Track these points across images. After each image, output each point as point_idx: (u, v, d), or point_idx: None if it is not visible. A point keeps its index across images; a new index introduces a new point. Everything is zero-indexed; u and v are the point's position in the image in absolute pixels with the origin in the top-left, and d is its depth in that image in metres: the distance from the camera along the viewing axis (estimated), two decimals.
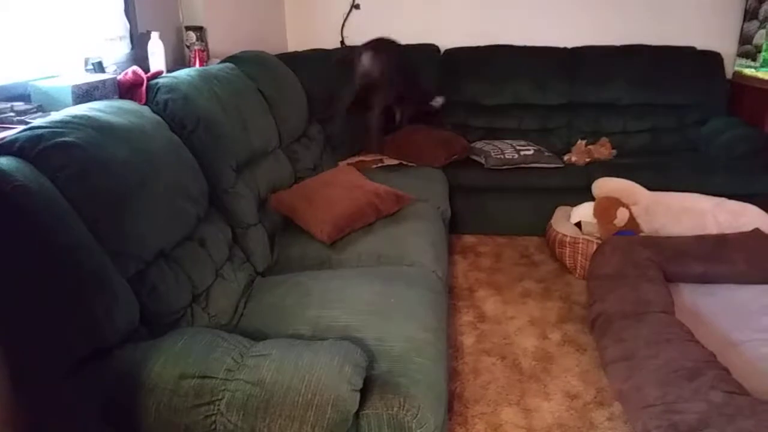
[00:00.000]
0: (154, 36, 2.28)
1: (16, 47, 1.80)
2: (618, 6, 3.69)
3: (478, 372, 2.10)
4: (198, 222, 1.74)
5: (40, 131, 1.32)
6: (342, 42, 3.89)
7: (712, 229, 2.59)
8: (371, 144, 3.30)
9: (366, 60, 3.19)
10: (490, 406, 1.93)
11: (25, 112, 1.61)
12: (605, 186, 2.91)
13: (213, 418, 1.14)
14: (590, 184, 2.98)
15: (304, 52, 3.60)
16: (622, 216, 2.71)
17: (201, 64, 2.56)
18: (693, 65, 3.53)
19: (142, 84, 1.92)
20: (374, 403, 1.25)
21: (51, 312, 1.18)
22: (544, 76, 3.57)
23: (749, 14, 3.56)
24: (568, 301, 2.58)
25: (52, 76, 1.87)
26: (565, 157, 3.27)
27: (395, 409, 1.24)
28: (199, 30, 2.73)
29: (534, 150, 3.23)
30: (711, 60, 3.55)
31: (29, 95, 1.74)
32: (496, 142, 3.35)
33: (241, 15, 3.25)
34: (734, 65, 3.64)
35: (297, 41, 3.91)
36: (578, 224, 2.88)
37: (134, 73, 1.94)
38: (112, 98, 1.81)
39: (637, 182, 2.88)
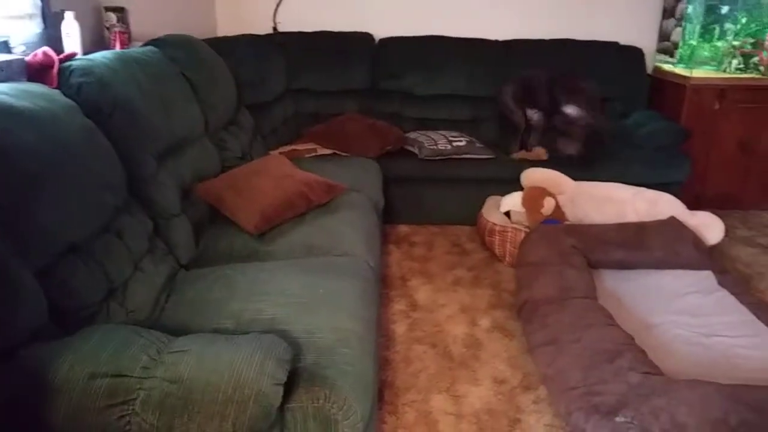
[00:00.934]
0: (69, 15, 2.14)
1: None
2: (548, 1, 3.78)
3: (410, 360, 2.12)
4: (115, 212, 1.65)
5: None
6: (274, 28, 3.80)
7: (632, 217, 2.71)
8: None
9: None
10: (420, 393, 1.95)
11: None
12: (533, 176, 2.99)
13: (127, 418, 1.08)
14: (519, 175, 3.05)
15: (235, 36, 3.49)
16: (548, 205, 2.80)
17: (122, 47, 2.42)
18: (616, 60, 3.67)
19: (53, 66, 1.80)
20: (300, 396, 1.22)
21: None
22: (476, 68, 3.62)
23: (667, 12, 3.73)
24: (497, 289, 2.64)
25: None
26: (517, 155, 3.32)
27: (321, 401, 1.22)
28: (120, 11, 2.58)
29: (466, 141, 3.27)
30: (633, 55, 3.70)
31: None
32: (430, 133, 3.37)
33: None
34: (654, 61, 3.81)
35: (227, 26, 3.79)
36: (507, 213, 2.95)
37: (45, 54, 1.81)
38: (19, 81, 1.68)
39: (562, 172, 2.98)
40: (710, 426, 1.45)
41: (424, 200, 3.29)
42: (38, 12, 2.18)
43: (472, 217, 3.15)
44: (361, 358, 1.40)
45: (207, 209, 2.19)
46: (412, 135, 3.37)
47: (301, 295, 1.61)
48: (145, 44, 2.46)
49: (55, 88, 1.73)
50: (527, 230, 2.70)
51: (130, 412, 1.08)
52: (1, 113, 1.33)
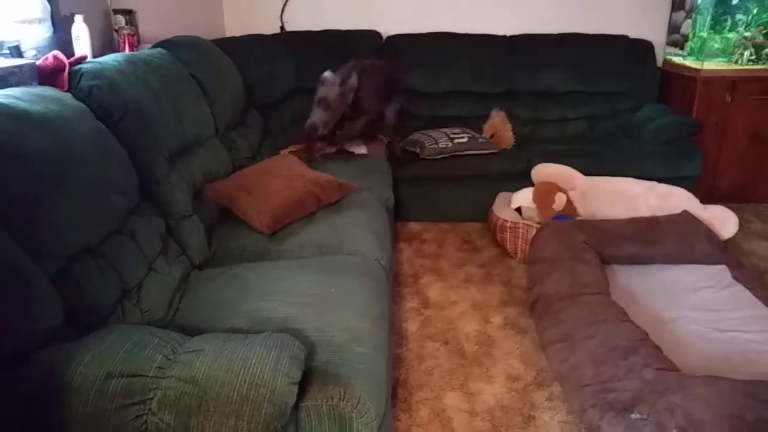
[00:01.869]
0: (78, 19, 2.15)
1: None
2: None
3: (422, 358, 2.11)
4: (128, 214, 1.66)
5: None
6: (282, 28, 3.80)
7: (644, 212, 2.69)
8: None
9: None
10: (434, 391, 1.94)
11: None
12: (544, 171, 2.98)
13: (144, 418, 1.09)
14: (529, 170, 3.04)
15: (243, 37, 3.50)
16: (560, 201, 2.78)
17: (131, 50, 2.44)
18: (626, 54, 3.64)
19: (64, 70, 1.81)
20: (314, 394, 1.23)
21: None
22: (483, 64, 3.61)
23: (677, 4, 3.70)
24: (509, 285, 2.63)
25: None
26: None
27: (335, 400, 1.22)
28: (128, 13, 2.60)
29: (468, 137, 3.26)
30: (643, 48, 3.67)
31: None
32: (431, 132, 3.36)
33: None
34: (664, 54, 3.78)
35: (235, 27, 3.80)
36: (518, 209, 2.93)
37: (55, 58, 1.83)
38: (31, 85, 1.70)
39: (573, 168, 2.96)
40: (726, 422, 1.43)
41: (434, 197, 3.28)
42: (48, 16, 2.19)
43: (482, 214, 3.14)
44: (375, 357, 1.40)
45: (218, 209, 2.20)
46: (414, 136, 3.36)
47: (314, 294, 1.61)
48: (154, 46, 2.48)
49: (66, 91, 1.74)
50: (538, 226, 2.69)
51: (146, 411, 1.09)
52: (14, 117, 1.34)
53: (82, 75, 1.78)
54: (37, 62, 1.79)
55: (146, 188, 1.83)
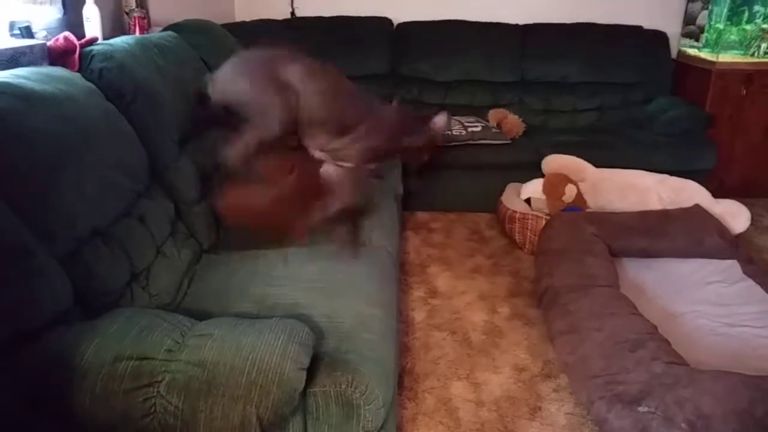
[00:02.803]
0: (89, 1, 2.14)
1: None
2: None
3: (429, 347, 2.11)
4: (137, 197, 1.66)
5: None
6: (292, 13, 3.78)
7: (655, 205, 2.67)
8: None
9: None
10: (440, 380, 1.94)
11: None
12: (554, 163, 2.95)
13: (152, 401, 1.09)
14: (540, 161, 3.02)
15: (253, 22, 3.48)
16: (570, 192, 2.76)
17: (141, 32, 2.42)
18: (640, 44, 3.60)
19: (74, 51, 1.80)
20: (322, 380, 1.23)
21: None
22: (496, 53, 3.57)
23: None
24: (517, 276, 2.61)
25: None
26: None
27: (343, 386, 1.22)
28: None
29: (482, 126, 3.24)
30: (657, 39, 3.62)
31: None
32: None
33: None
34: (678, 45, 3.73)
35: (245, 11, 3.77)
36: (528, 200, 2.92)
37: (66, 39, 1.82)
38: (41, 65, 1.69)
39: (584, 159, 2.94)
40: (736, 417, 1.42)
41: (442, 187, 3.26)
42: None
43: (491, 204, 3.12)
44: (383, 344, 1.40)
45: None
46: None
47: (322, 280, 1.61)
48: (165, 29, 2.46)
49: (77, 72, 1.73)
50: (548, 217, 2.67)
51: (155, 394, 1.09)
52: (22, 97, 1.33)
53: (92, 57, 1.77)
54: (48, 43, 1.78)
55: (155, 172, 1.82)
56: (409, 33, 3.63)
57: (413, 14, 3.67)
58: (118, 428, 1.09)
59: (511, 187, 3.07)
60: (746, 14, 3.46)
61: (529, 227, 2.78)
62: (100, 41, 1.97)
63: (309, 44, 3.44)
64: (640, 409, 1.51)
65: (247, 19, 3.54)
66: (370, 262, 1.79)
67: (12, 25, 1.89)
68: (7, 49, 1.60)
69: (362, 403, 1.21)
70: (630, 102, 3.60)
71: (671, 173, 2.82)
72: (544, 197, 2.84)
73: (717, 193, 2.73)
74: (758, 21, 3.45)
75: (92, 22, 2.14)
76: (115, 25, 2.47)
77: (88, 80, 1.68)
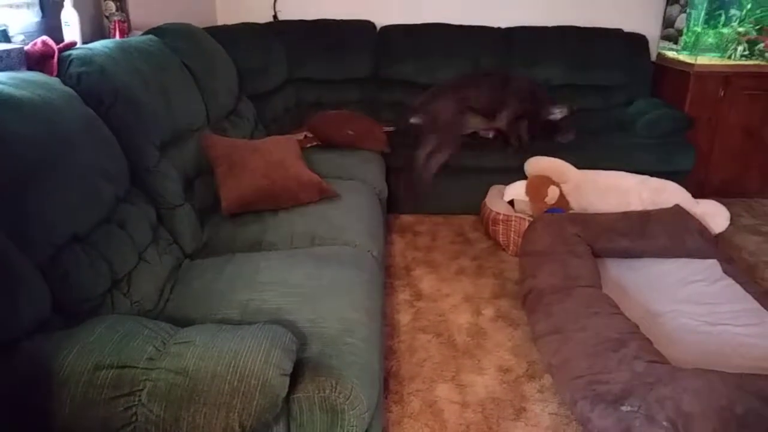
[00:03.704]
0: (68, 4, 2.12)
1: None
2: None
3: (414, 350, 2.11)
4: (117, 203, 1.64)
5: None
6: (275, 16, 3.76)
7: (636, 206, 2.69)
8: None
9: None
10: (425, 383, 1.94)
11: None
12: (537, 165, 2.97)
13: (133, 409, 1.08)
14: (523, 164, 3.03)
15: (235, 26, 3.46)
16: (552, 194, 2.78)
17: (121, 37, 2.40)
18: (620, 47, 3.63)
19: (53, 56, 1.78)
20: (305, 386, 1.22)
21: None
22: (478, 56, 3.59)
23: None
24: (501, 278, 2.63)
25: None
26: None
27: (327, 391, 1.21)
28: (119, 0, 2.56)
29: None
30: (637, 42, 3.66)
31: None
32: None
33: None
34: (658, 48, 3.78)
35: (227, 15, 3.75)
36: (511, 202, 2.93)
37: (44, 43, 1.80)
38: (18, 70, 1.66)
39: (566, 161, 2.96)
40: (716, 414, 1.44)
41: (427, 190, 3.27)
42: (36, 1, 2.15)
43: (475, 207, 3.13)
44: (367, 348, 1.40)
45: (211, 198, 2.18)
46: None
47: (306, 285, 1.60)
48: (145, 33, 2.44)
49: (55, 77, 1.71)
50: (531, 219, 2.69)
51: (136, 403, 1.07)
52: (0, 103, 1.31)
53: (71, 61, 1.75)
54: (26, 47, 1.76)
55: (137, 177, 1.80)
56: (391, 36, 3.64)
57: (396, 18, 3.68)
58: None
59: (494, 190, 3.08)
60: (723, 18, 3.52)
61: (513, 229, 2.79)
62: (79, 45, 1.95)
63: (292, 48, 3.49)
64: (623, 408, 1.52)
65: (229, 23, 3.51)
66: (354, 266, 1.79)
67: None
68: None
69: (346, 408, 1.21)
70: (611, 104, 3.64)
71: (652, 174, 2.86)
72: (527, 199, 2.85)
73: (696, 193, 2.77)
74: (734, 24, 3.51)
75: (71, 27, 2.12)
76: (94, 30, 2.45)
77: (67, 85, 1.67)
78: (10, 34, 1.92)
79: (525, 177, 2.97)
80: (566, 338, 1.82)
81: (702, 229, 2.44)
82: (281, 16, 3.76)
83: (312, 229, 2.03)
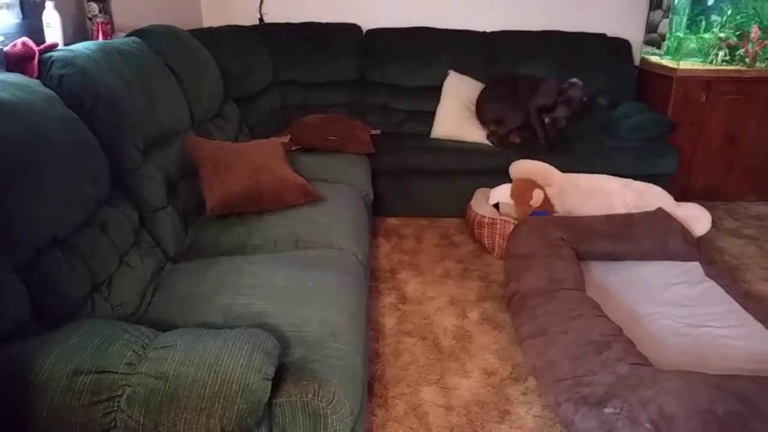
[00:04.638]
0: (49, 6, 2.09)
1: None
2: None
3: (399, 353, 2.11)
4: (98, 205, 1.62)
5: None
6: (260, 19, 3.75)
7: (620, 209, 2.72)
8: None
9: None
10: (410, 386, 1.94)
11: None
12: (521, 168, 2.99)
13: (113, 415, 1.06)
14: (508, 167, 3.05)
15: (220, 28, 3.45)
16: (537, 197, 2.79)
17: (104, 38, 2.38)
18: (604, 52, 3.67)
19: (33, 57, 1.75)
20: (288, 390, 1.21)
21: None
22: (463, 60, 3.60)
23: (654, 4, 3.74)
24: (486, 281, 2.63)
25: None
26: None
27: (310, 395, 1.21)
28: (102, 1, 2.53)
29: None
30: (621, 47, 3.70)
31: None
32: None
33: None
34: (641, 52, 3.82)
35: (212, 17, 3.74)
36: (496, 205, 2.94)
37: (24, 44, 1.77)
38: None
39: (551, 164, 2.98)
40: (697, 416, 1.45)
41: (413, 193, 3.28)
42: (16, 2, 2.13)
43: (460, 210, 3.14)
44: (350, 352, 1.39)
45: (195, 201, 2.16)
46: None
47: (290, 288, 1.59)
48: (128, 35, 2.42)
49: (35, 79, 1.69)
50: (516, 222, 2.70)
51: (115, 409, 1.06)
52: None
53: (52, 63, 1.73)
54: (5, 49, 1.74)
55: (119, 179, 1.79)
56: (378, 39, 3.64)
57: (382, 21, 3.69)
58: None
59: (479, 193, 3.09)
60: (704, 23, 3.56)
61: (498, 232, 2.80)
62: (60, 47, 1.93)
63: (278, 50, 3.48)
64: (606, 410, 1.53)
65: (215, 25, 3.50)
66: (339, 269, 1.79)
67: None
68: None
69: (329, 412, 1.21)
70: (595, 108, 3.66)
71: (635, 177, 2.88)
72: (512, 202, 2.87)
73: (679, 196, 2.80)
74: (715, 30, 3.56)
75: (53, 28, 2.09)
76: (77, 31, 2.43)
77: (48, 87, 1.65)
78: None
79: (510, 180, 2.98)
80: (550, 341, 1.83)
81: (684, 232, 2.46)
82: (267, 19, 3.75)
83: (297, 232, 2.03)
